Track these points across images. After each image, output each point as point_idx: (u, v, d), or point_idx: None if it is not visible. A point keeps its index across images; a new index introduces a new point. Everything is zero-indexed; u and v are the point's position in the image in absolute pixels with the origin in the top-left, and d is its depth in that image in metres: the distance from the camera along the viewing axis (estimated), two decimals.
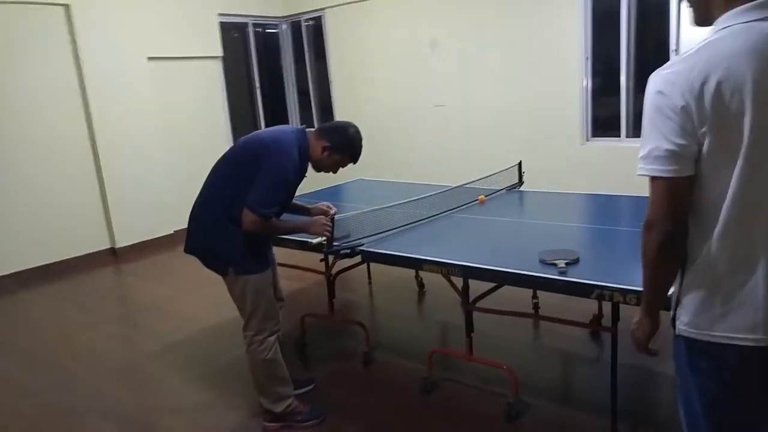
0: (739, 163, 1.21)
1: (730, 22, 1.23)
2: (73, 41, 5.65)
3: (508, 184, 3.81)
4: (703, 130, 1.21)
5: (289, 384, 2.75)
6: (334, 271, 3.52)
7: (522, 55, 5.65)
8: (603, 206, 3.43)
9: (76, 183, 5.84)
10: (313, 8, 7.28)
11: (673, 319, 1.37)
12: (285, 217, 2.63)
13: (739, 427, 1.36)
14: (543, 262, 2.17)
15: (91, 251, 5.97)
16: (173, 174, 6.48)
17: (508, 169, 3.86)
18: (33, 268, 5.52)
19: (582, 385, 3.09)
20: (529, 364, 3.18)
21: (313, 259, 3.66)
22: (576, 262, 2.14)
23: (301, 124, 2.85)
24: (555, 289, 2.07)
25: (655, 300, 1.40)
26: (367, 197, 4.19)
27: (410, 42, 6.46)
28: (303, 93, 7.93)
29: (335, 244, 2.73)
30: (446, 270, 2.41)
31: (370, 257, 2.71)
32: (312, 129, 2.63)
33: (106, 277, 5.65)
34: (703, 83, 1.19)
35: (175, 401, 3.12)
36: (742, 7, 1.21)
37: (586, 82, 5.35)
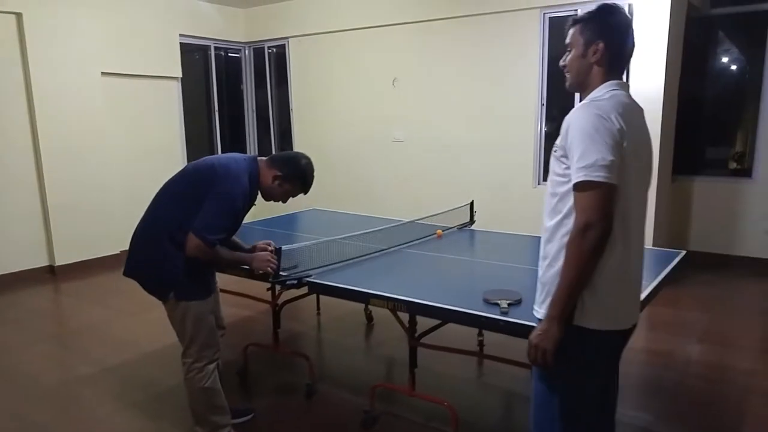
0: (634, 180, 1.59)
1: (611, 88, 1.65)
2: (23, 51, 5.50)
3: (460, 223, 3.88)
4: (625, 152, 1.53)
5: (227, 413, 2.68)
6: (280, 300, 3.48)
7: (481, 99, 5.84)
8: None
9: (16, 196, 5.61)
10: (277, 36, 7.34)
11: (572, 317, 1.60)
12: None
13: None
14: (486, 301, 2.21)
15: (27, 268, 5.72)
16: (122, 193, 6.32)
17: (460, 207, 3.94)
18: None
19: (523, 423, 3.12)
20: (471, 401, 3.19)
21: (260, 288, 3.61)
22: (518, 303, 2.18)
23: (259, 150, 2.85)
24: (497, 329, 2.10)
25: (572, 303, 1.58)
26: (319, 227, 4.19)
27: (372, 76, 6.58)
28: (262, 118, 7.92)
29: (282, 274, 2.70)
30: (393, 305, 2.42)
31: (317, 289, 2.69)
32: (263, 158, 2.63)
33: (41, 295, 5.40)
34: (623, 117, 1.55)
35: (106, 429, 2.98)
36: (614, 81, 1.66)
37: (541, 128, 5.56)
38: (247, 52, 7.78)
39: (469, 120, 5.96)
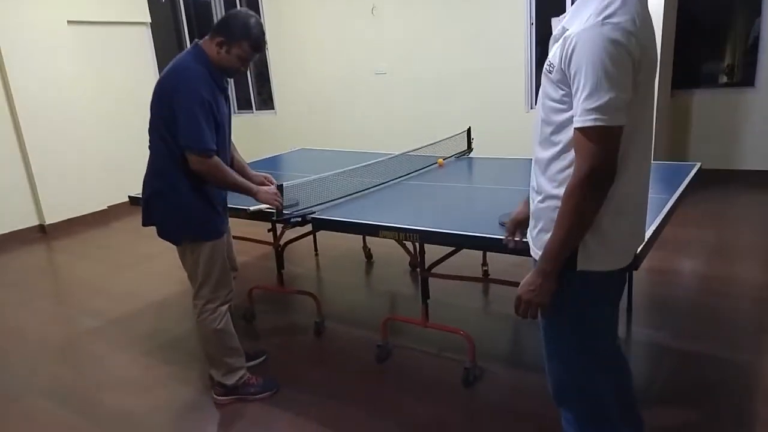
0: (642, 98, 1.38)
1: None
2: None
3: (457, 151, 3.80)
4: (638, 72, 1.31)
5: (241, 355, 2.67)
6: (282, 241, 3.41)
7: (465, 21, 5.62)
8: None
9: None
10: None
11: (573, 257, 1.45)
12: None
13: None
14: (503, 225, 2.16)
15: (17, 228, 5.61)
16: (103, 147, 6.14)
17: (457, 135, 3.85)
18: None
19: (537, 347, 3.16)
20: (483, 329, 3.21)
21: (260, 230, 3.55)
22: None
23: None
24: (517, 251, 2.06)
25: (569, 254, 1.44)
26: (311, 166, 4.07)
27: (350, 7, 6.30)
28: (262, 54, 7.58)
29: (285, 212, 2.63)
30: (403, 235, 2.37)
31: (322, 225, 2.63)
32: (204, 39, 2.37)
33: (35, 254, 5.31)
34: (639, 27, 1.30)
35: (121, 376, 2.98)
36: None
37: (531, 50, 5.40)
38: None
39: (454, 46, 5.77)
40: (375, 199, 2.94)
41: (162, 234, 2.44)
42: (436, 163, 3.60)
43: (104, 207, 6.04)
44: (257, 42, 2.33)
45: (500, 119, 5.61)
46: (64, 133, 5.80)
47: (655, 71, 1.45)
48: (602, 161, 1.31)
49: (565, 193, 1.37)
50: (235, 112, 7.46)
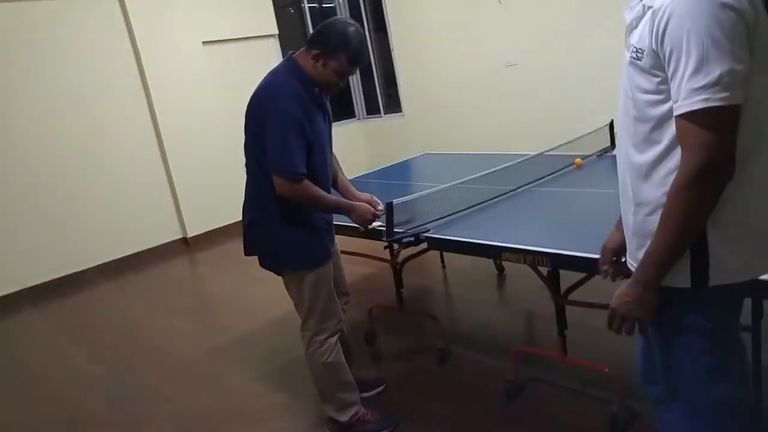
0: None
1: None
2: (131, 32, 5.57)
3: (598, 149, 3.28)
4: (759, 39, 1.09)
5: (355, 390, 2.45)
6: (400, 258, 3.15)
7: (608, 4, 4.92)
8: None
9: (145, 174, 5.82)
10: None
11: (696, 271, 1.21)
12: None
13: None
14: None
15: (165, 242, 5.97)
16: (238, 159, 6.33)
17: (597, 131, 3.33)
18: (113, 261, 5.58)
19: None
20: (631, 362, 2.69)
21: (377, 245, 3.32)
22: None
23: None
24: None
25: (674, 263, 1.21)
26: (435, 174, 3.78)
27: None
28: (363, 67, 7.53)
29: (397, 231, 2.37)
30: (532, 259, 1.99)
31: (438, 245, 2.33)
32: (299, 50, 2.16)
33: (179, 267, 5.61)
34: None
35: (237, 404, 2.91)
36: None
37: None
38: (340, 0, 7.38)
39: (590, 28, 5.09)
40: (501, 211, 2.56)
41: (263, 264, 2.30)
42: (574, 163, 3.12)
43: (240, 218, 6.25)
44: (356, 55, 2.07)
45: None
46: (202, 148, 6.07)
47: None
48: (718, 150, 1.09)
49: (671, 190, 1.16)
50: (363, 118, 7.40)
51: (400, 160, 4.31)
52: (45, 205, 5.20)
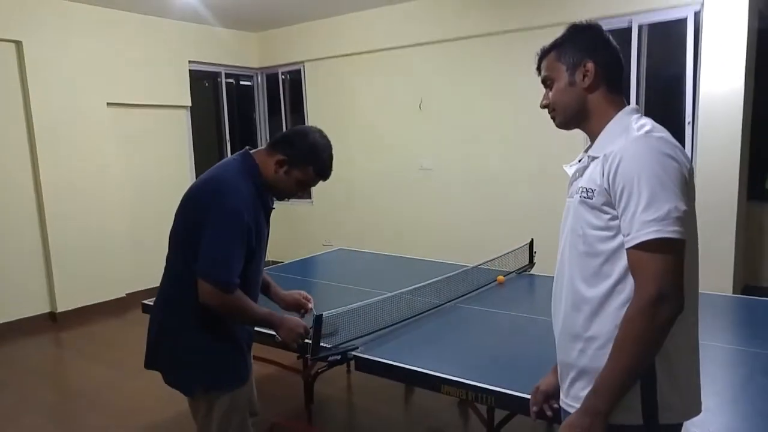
0: (694, 229, 1.26)
1: (636, 115, 1.33)
2: (24, 82, 5.07)
3: (518, 267, 3.31)
4: (689, 197, 1.22)
5: None
6: (314, 370, 2.88)
7: (525, 117, 5.19)
8: None
9: (17, 237, 5.13)
10: (292, 60, 6.88)
11: (649, 411, 1.25)
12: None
13: None
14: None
15: (27, 315, 5.20)
16: (129, 231, 5.84)
17: (519, 249, 3.37)
18: None
19: None
20: None
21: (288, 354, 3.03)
22: None
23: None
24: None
25: (623, 395, 1.23)
26: (350, 273, 3.63)
27: (396, 100, 6.06)
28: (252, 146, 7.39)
29: (323, 345, 2.14)
30: (474, 395, 1.84)
31: (367, 367, 2.12)
32: (260, 148, 2.00)
33: (42, 348, 4.86)
34: (682, 151, 1.24)
35: None
36: (633, 107, 1.37)
37: None
38: (259, 78, 7.33)
39: (509, 145, 5.36)
40: (429, 331, 2.43)
41: (170, 380, 1.95)
42: (496, 280, 3.10)
43: (123, 294, 5.65)
44: (324, 169, 1.97)
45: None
46: (89, 215, 5.52)
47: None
48: (669, 280, 1.17)
49: (624, 318, 1.21)
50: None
51: (315, 253, 4.12)
52: None
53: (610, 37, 1.40)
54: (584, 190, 1.30)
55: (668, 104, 4.83)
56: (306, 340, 2.06)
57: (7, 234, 5.07)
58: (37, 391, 4.01)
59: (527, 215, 5.18)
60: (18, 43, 5.01)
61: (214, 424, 1.91)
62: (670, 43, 4.62)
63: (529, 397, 1.58)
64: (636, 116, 1.32)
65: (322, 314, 2.10)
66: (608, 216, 1.25)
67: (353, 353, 2.15)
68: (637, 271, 1.20)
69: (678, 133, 4.16)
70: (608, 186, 1.23)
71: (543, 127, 4.99)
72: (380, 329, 2.35)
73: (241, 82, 7.38)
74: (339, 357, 2.13)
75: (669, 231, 1.16)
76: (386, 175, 6.22)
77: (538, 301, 2.96)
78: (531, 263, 3.38)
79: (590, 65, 1.35)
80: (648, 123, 1.28)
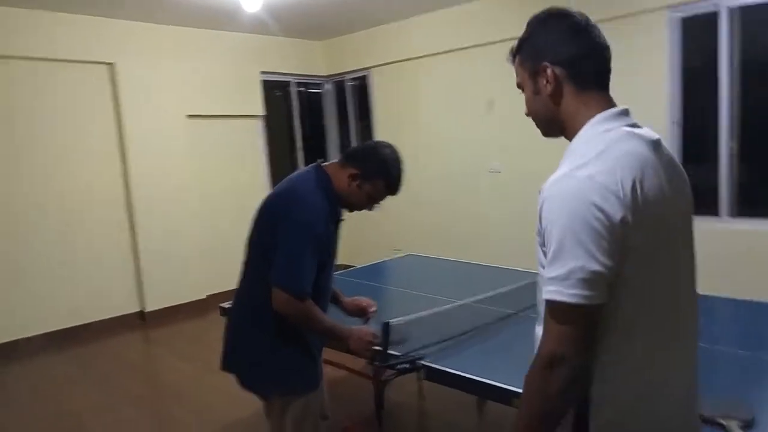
0: (661, 278, 1.11)
1: (603, 126, 1.13)
2: (116, 99, 5.49)
3: None
4: (634, 241, 1.04)
5: None
6: (383, 376, 2.90)
7: None
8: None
9: (109, 240, 5.56)
10: (358, 67, 6.97)
11: None
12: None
13: None
14: (708, 420, 1.52)
15: (119, 314, 5.60)
16: (208, 236, 6.14)
17: None
18: (63, 330, 5.20)
19: None
20: None
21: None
22: (750, 425, 1.49)
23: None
24: None
25: None
26: (419, 279, 3.63)
27: (462, 101, 6.02)
28: (323, 158, 7.52)
29: (392, 353, 2.16)
30: None
31: (437, 377, 2.12)
32: (332, 161, 2.09)
33: (132, 345, 5.22)
34: (633, 189, 1.04)
35: None
36: (604, 114, 1.14)
37: (673, 150, 4.71)
38: (328, 86, 7.48)
39: None
40: (501, 342, 2.39)
41: (246, 384, 2.04)
42: None
43: (203, 296, 5.95)
44: (394, 185, 2.03)
45: None
46: (172, 221, 5.86)
47: (682, 215, 1.17)
48: (566, 346, 1.04)
49: (525, 377, 1.12)
50: None
51: (377, 261, 4.14)
52: (1, 265, 4.88)
53: (583, 21, 1.19)
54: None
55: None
56: (376, 348, 2.10)
57: (103, 240, 5.48)
58: (131, 384, 4.31)
59: None
60: (111, 65, 5.42)
61: (288, 427, 1.98)
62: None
63: None
64: (596, 130, 1.13)
65: (389, 322, 2.12)
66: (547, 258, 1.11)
67: (422, 362, 2.15)
68: (543, 326, 1.11)
69: None
70: (540, 224, 1.11)
71: None
72: (450, 338, 2.34)
73: (311, 90, 7.56)
74: (408, 366, 2.14)
75: (568, 294, 1.02)
76: (454, 178, 6.18)
77: None
78: None
79: (550, 69, 1.17)
80: (592, 145, 1.10)
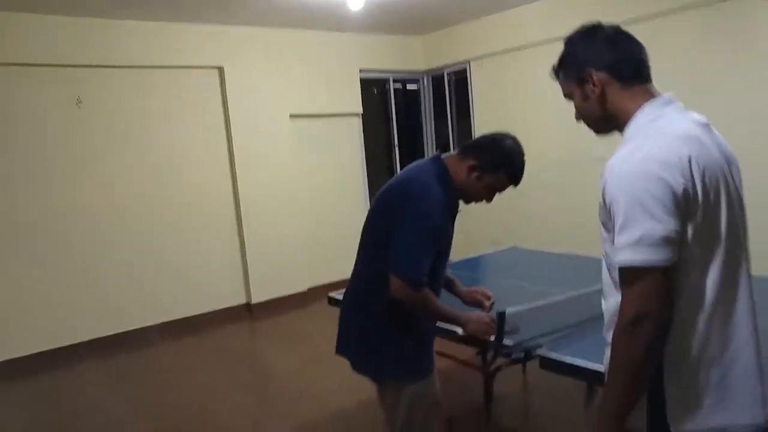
0: (720, 246, 1.20)
1: (657, 112, 1.26)
2: (225, 102, 5.79)
3: None
4: (695, 211, 1.16)
5: None
6: (492, 367, 2.88)
7: (712, 97, 4.63)
8: None
9: (219, 235, 5.88)
10: (457, 60, 6.92)
11: (656, 421, 1.21)
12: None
13: None
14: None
15: (227, 306, 5.92)
16: (310, 232, 6.35)
17: None
18: (174, 321, 5.55)
19: None
20: None
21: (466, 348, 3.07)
22: None
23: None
24: None
25: (633, 402, 1.21)
26: (526, 272, 3.56)
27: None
28: (443, 150, 7.50)
29: (506, 342, 2.15)
30: None
31: (552, 366, 2.07)
32: (450, 153, 2.08)
33: (240, 336, 5.50)
34: (690, 164, 1.16)
35: None
36: (655, 101, 1.28)
37: None
38: (425, 80, 7.49)
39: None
40: None
41: (359, 368, 2.09)
42: None
43: (305, 289, 6.18)
44: (517, 174, 2.02)
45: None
46: (276, 217, 6.10)
47: (733, 191, 1.25)
48: (646, 303, 1.15)
49: (612, 340, 1.21)
50: None
51: (480, 253, 4.10)
52: (119, 260, 5.30)
53: (613, 30, 1.35)
54: (599, 202, 1.29)
55: None
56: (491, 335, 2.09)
57: (213, 236, 5.82)
58: (239, 373, 4.55)
59: None
60: (220, 69, 5.75)
61: (402, 412, 2.02)
62: None
63: None
64: (649, 116, 1.26)
65: (505, 310, 2.10)
66: (611, 233, 1.24)
67: (537, 353, 2.11)
68: (621, 290, 1.21)
69: None
70: (603, 202, 1.24)
71: (740, 110, 4.44)
72: (563, 329, 2.29)
73: (408, 87, 7.61)
74: (523, 354, 2.12)
75: (640, 259, 1.14)
76: (556, 167, 5.94)
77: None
78: None
79: (595, 75, 1.32)
80: (649, 127, 1.23)
